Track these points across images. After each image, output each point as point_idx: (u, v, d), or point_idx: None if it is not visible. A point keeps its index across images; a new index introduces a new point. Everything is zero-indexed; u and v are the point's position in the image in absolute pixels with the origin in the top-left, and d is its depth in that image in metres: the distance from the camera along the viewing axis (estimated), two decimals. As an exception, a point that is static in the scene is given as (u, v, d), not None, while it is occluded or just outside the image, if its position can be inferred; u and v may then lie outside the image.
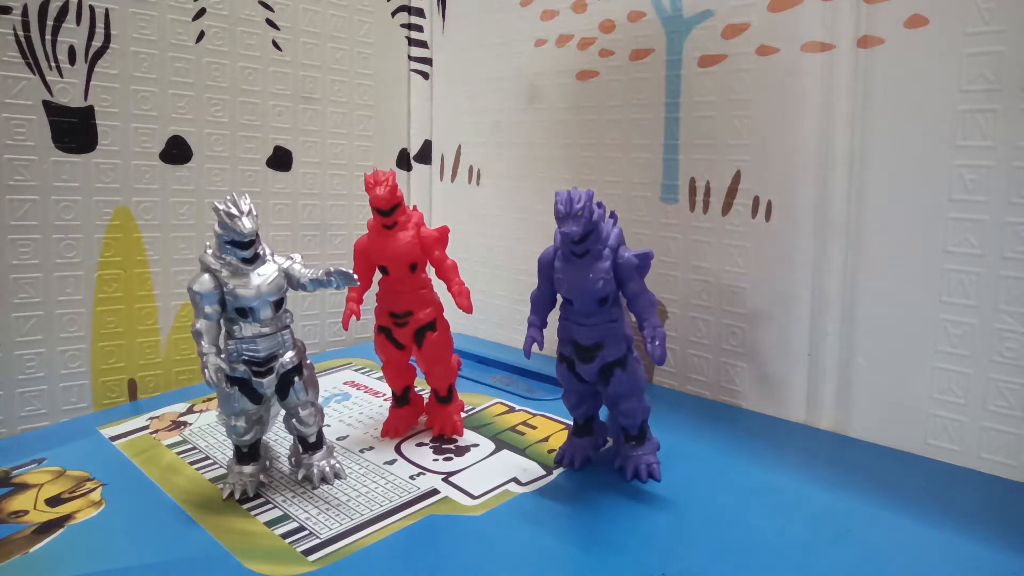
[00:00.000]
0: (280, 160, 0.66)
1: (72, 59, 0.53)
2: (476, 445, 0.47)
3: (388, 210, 0.45)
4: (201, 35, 0.59)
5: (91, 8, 0.54)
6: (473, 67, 0.73)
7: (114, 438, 0.49)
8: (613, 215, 0.42)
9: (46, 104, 0.52)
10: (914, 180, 0.45)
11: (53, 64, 0.52)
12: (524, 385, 0.60)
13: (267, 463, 0.43)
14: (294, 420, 0.42)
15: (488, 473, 0.43)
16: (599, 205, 0.39)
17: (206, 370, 0.38)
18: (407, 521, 0.38)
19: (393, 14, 0.74)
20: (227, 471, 0.42)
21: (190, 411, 0.54)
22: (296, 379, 0.41)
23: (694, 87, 0.55)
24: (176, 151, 0.59)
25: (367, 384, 0.60)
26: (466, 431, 0.49)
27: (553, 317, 0.42)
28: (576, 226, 0.37)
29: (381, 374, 0.58)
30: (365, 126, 0.73)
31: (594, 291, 0.39)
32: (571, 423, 0.45)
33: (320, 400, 0.47)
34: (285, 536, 0.37)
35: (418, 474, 0.43)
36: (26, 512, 0.39)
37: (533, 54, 0.67)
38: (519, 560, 0.35)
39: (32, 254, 0.52)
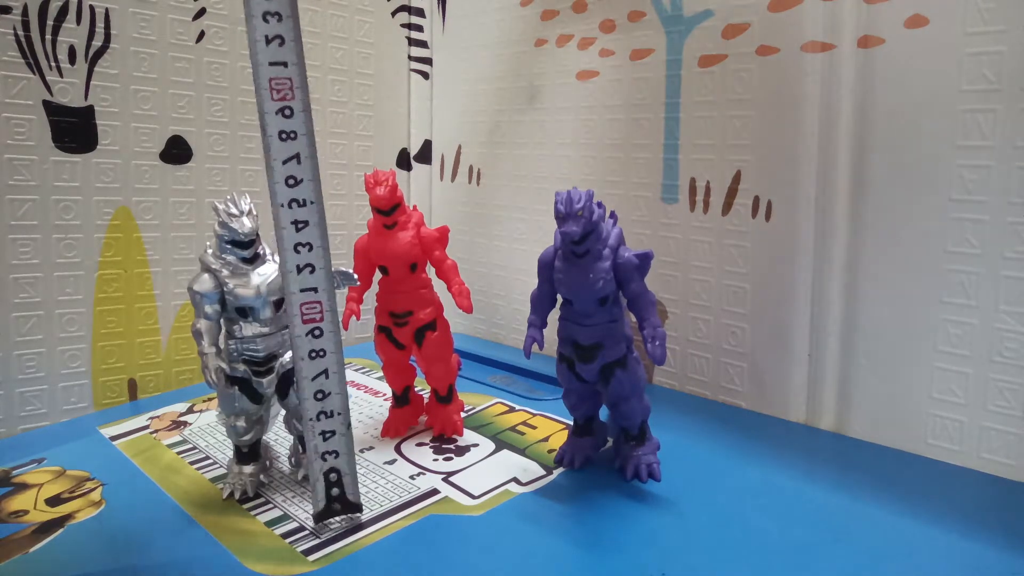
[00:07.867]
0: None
1: (72, 59, 0.53)
2: (476, 445, 0.47)
3: (388, 210, 0.45)
4: (201, 35, 0.59)
5: (91, 8, 0.54)
6: (473, 67, 0.73)
7: (114, 438, 0.49)
8: (613, 215, 0.42)
9: (46, 104, 0.52)
10: (914, 180, 0.45)
11: (53, 64, 0.52)
12: (524, 385, 0.60)
13: (267, 463, 0.43)
14: (294, 420, 0.42)
15: (488, 473, 0.43)
16: (599, 205, 0.39)
17: (206, 370, 0.38)
18: (407, 521, 0.38)
19: (393, 14, 0.74)
20: (227, 471, 0.42)
21: (190, 411, 0.54)
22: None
23: (694, 87, 0.55)
24: (176, 151, 0.59)
25: (367, 384, 0.60)
26: (466, 431, 0.49)
27: (553, 317, 0.42)
28: (576, 226, 0.37)
29: (381, 374, 0.59)
30: (365, 126, 0.73)
31: (594, 291, 0.39)
32: (571, 423, 0.45)
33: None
34: (285, 536, 0.37)
35: (418, 474, 0.43)
36: (26, 512, 0.39)
37: (533, 54, 0.67)
38: (519, 560, 0.35)
39: (32, 254, 0.52)
